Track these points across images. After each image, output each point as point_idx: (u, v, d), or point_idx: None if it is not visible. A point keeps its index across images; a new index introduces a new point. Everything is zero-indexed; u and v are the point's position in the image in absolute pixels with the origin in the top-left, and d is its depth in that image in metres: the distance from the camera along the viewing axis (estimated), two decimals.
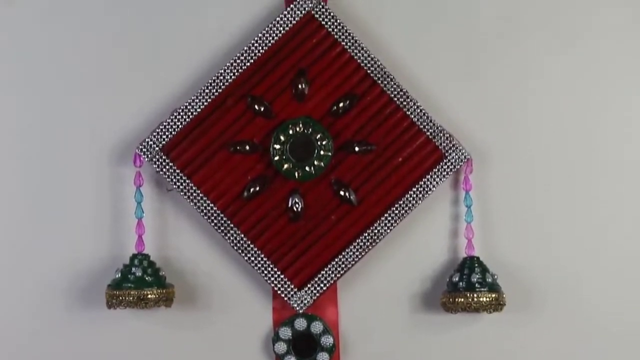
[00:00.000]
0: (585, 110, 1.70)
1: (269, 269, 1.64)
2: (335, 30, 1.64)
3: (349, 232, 1.64)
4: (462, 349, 1.68)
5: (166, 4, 1.68)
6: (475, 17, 1.70)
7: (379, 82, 1.64)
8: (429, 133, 1.65)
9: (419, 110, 1.64)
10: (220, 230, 1.63)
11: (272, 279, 1.64)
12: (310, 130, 1.62)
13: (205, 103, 1.63)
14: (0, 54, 1.67)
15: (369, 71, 1.64)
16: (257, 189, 1.63)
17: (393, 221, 1.64)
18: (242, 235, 1.63)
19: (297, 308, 1.64)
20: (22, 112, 1.67)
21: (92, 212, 1.66)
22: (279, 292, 1.64)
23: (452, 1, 1.70)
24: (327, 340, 1.65)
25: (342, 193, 1.64)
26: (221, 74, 1.63)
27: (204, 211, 1.63)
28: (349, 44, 1.64)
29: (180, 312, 1.66)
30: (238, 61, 1.63)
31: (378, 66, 1.64)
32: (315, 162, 1.63)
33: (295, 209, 1.63)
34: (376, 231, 1.64)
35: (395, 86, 1.64)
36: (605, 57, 1.71)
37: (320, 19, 1.64)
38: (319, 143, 1.62)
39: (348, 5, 1.68)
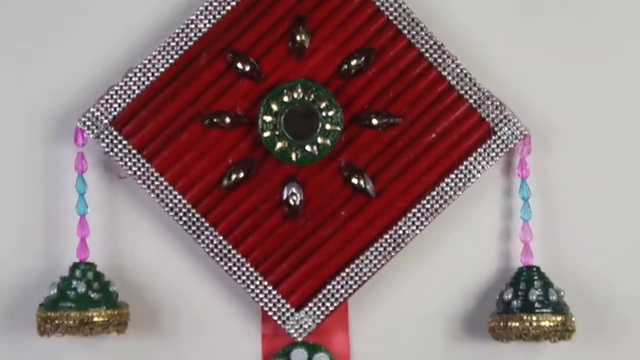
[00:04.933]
0: None
1: (257, 282, 1.50)
2: None
3: (363, 234, 1.50)
4: None
5: None
6: None
7: (405, 32, 1.50)
8: (472, 100, 1.50)
9: (459, 70, 1.51)
10: (191, 231, 1.50)
11: (261, 296, 1.50)
12: (312, 96, 1.48)
13: (170, 61, 1.50)
14: None
15: (391, 17, 1.50)
16: (241, 175, 1.50)
17: (423, 219, 1.51)
18: (221, 238, 1.50)
19: (295, 335, 1.50)
20: None
21: (20, 207, 1.54)
22: (269, 313, 1.51)
23: None
24: None
25: (354, 181, 1.49)
26: (192, 21, 1.50)
27: (170, 205, 1.50)
28: None
29: (137, 341, 1.53)
30: (215, 4, 1.51)
31: (404, 10, 1.50)
32: (319, 140, 1.48)
33: (291, 203, 1.49)
34: (400, 232, 1.50)
35: (427, 38, 1.50)
36: None
37: None
38: (323, 114, 1.48)
39: None
